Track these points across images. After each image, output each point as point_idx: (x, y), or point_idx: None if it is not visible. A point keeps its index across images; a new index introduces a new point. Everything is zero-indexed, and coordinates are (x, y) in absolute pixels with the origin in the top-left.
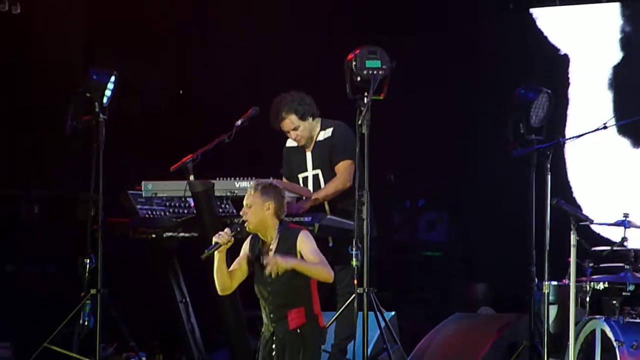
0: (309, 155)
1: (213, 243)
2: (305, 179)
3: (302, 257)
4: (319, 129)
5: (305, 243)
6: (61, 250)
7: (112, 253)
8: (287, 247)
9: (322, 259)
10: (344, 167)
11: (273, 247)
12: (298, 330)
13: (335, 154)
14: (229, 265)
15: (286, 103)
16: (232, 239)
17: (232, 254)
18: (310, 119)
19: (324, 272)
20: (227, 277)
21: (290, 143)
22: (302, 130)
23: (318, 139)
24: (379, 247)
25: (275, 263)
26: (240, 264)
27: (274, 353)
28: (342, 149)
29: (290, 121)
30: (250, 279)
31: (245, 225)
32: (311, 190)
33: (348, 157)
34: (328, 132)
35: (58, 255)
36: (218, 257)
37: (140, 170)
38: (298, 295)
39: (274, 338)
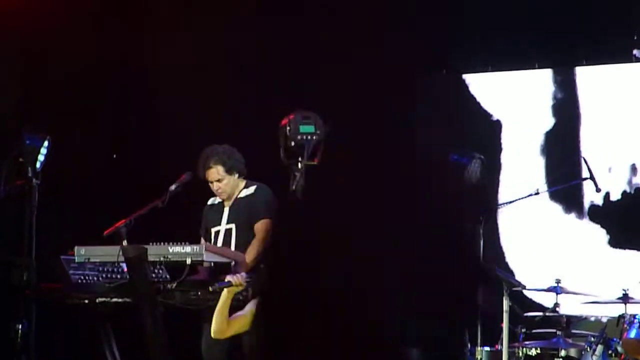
0: (226, 210)
1: (226, 281)
2: (217, 233)
3: None
4: (242, 187)
5: None
6: None
7: (45, 318)
8: None
9: None
10: (263, 227)
11: None
12: None
13: (257, 212)
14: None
15: (216, 153)
16: (245, 284)
17: None
18: (236, 175)
19: None
20: (226, 321)
21: (210, 201)
22: (225, 183)
23: (239, 196)
24: None
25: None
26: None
27: None
28: (264, 207)
29: (217, 171)
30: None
31: None
32: (220, 244)
33: (269, 217)
34: (251, 189)
35: None
36: (224, 298)
37: (74, 234)
38: None
39: None
